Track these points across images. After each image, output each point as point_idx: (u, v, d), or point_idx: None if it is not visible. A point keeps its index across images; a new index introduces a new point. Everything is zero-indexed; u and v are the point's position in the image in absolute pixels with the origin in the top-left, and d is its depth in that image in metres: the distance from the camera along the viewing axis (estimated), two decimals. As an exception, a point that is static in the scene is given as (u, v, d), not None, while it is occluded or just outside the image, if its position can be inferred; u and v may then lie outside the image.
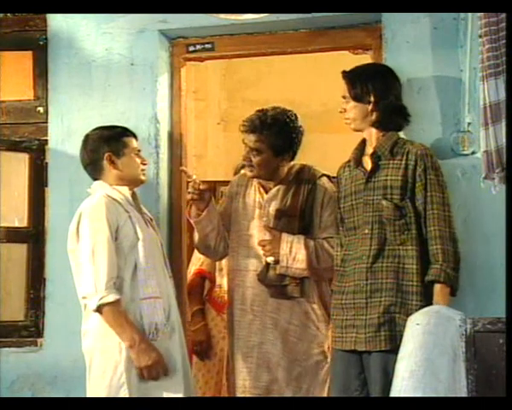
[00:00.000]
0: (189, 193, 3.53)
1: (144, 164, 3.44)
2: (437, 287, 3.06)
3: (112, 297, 3.15)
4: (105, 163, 3.34)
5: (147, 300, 3.22)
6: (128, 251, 3.25)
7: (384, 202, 3.15)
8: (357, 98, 3.23)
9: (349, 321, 3.19)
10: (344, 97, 3.27)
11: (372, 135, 3.25)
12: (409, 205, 3.13)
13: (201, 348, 4.20)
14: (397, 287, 3.10)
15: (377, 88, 3.22)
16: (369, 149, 3.26)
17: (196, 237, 3.64)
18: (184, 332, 3.47)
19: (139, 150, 3.43)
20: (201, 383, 4.18)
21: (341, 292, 3.24)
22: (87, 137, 3.43)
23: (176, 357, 3.27)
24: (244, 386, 3.56)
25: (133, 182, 3.40)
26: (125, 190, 3.34)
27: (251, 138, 3.56)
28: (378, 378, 3.09)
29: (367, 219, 3.18)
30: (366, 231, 3.17)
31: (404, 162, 3.16)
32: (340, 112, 3.29)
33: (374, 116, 3.22)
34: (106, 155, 3.33)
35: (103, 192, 3.31)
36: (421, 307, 3.01)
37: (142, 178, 3.43)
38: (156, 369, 3.18)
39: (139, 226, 3.28)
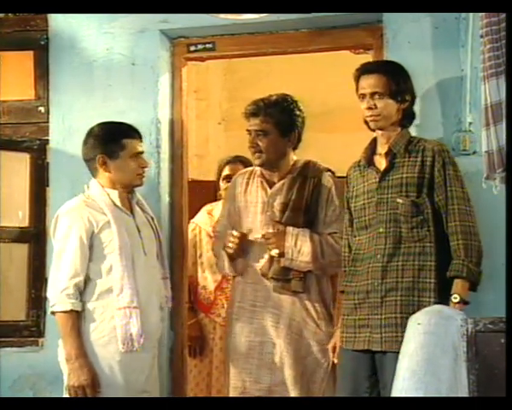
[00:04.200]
0: (230, 247, 3.54)
1: (143, 167, 3.34)
2: (458, 282, 3.02)
3: (61, 307, 3.14)
4: (97, 164, 3.30)
5: (121, 310, 3.15)
6: (104, 258, 3.20)
7: (400, 200, 3.11)
8: (395, 95, 3.15)
9: (362, 321, 3.14)
10: (376, 93, 3.13)
11: (390, 133, 3.19)
12: (426, 201, 3.11)
13: (196, 344, 4.19)
14: (413, 285, 3.07)
15: (411, 86, 3.20)
16: (381, 148, 3.22)
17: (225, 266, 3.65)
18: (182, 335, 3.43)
19: (140, 152, 3.34)
20: (192, 384, 4.16)
21: (353, 292, 3.19)
22: (89, 131, 3.38)
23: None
24: (244, 386, 3.53)
25: (125, 186, 3.33)
26: (114, 195, 3.28)
27: (256, 122, 3.55)
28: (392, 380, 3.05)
29: (381, 217, 3.14)
30: (381, 230, 3.13)
31: (420, 159, 3.13)
32: (370, 108, 3.13)
33: (401, 115, 3.18)
34: (98, 156, 3.28)
35: (87, 194, 3.29)
36: (436, 304, 2.99)
37: (137, 182, 3.34)
38: (82, 392, 3.10)
39: (119, 234, 3.19)
